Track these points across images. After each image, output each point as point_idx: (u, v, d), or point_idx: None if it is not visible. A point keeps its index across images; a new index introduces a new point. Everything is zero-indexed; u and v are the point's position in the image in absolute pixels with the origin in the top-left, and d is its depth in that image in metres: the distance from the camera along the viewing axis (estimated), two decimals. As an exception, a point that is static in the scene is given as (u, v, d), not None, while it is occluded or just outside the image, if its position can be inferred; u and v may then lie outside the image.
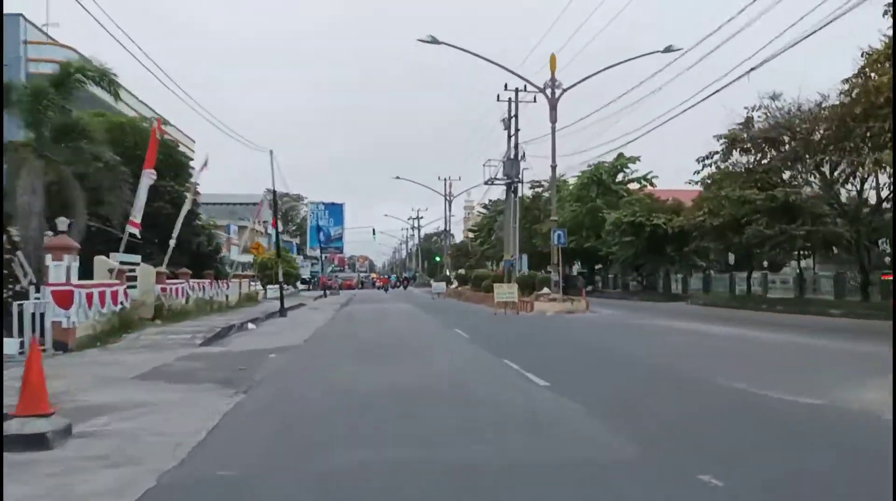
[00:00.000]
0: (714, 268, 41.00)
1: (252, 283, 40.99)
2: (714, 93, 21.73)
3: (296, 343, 16.29)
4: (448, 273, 64.45)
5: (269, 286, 47.06)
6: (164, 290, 22.12)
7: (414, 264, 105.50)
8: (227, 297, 30.14)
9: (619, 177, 51.03)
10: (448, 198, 64.48)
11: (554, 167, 28.99)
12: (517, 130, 35.40)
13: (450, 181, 64.94)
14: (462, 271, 61.17)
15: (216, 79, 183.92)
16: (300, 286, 75.50)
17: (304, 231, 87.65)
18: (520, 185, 36.40)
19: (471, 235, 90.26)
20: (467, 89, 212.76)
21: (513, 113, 35.70)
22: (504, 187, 38.17)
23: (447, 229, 65.88)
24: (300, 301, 42.73)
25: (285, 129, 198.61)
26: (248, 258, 53.99)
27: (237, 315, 25.01)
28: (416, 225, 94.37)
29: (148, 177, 21.08)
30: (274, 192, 28.96)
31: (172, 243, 23.67)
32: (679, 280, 48.73)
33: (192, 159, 47.86)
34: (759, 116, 28.81)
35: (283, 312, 27.74)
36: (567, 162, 70.30)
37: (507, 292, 26.94)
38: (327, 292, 55.15)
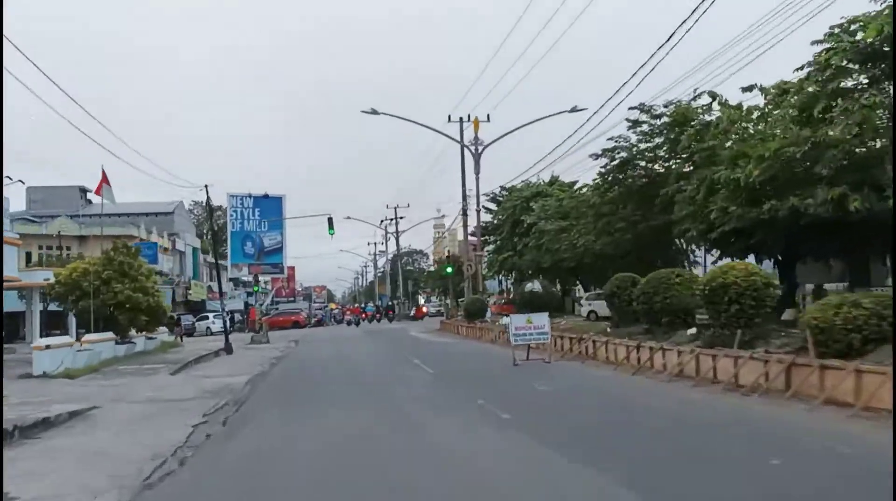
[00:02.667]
0: None
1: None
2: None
3: None
4: (482, 292, 36.22)
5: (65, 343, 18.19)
6: None
7: (389, 288, 76.51)
8: None
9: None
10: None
11: None
12: None
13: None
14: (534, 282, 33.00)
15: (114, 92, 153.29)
16: (212, 327, 46.54)
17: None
18: None
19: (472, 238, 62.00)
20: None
21: None
22: None
23: (474, 191, 36.86)
24: (154, 372, 14.26)
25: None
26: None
27: None
28: (389, 230, 65.46)
29: None
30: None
31: None
32: None
33: None
34: None
35: None
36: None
37: None
38: (230, 341, 25.80)
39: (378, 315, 59.35)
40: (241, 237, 51.81)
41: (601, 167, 28.96)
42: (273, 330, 52.65)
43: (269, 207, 52.45)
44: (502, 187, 53.89)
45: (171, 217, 70.20)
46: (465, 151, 34.41)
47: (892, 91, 13.63)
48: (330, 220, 35.08)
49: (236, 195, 51.65)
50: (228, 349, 25.04)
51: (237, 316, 53.81)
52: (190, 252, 69.95)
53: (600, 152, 28.10)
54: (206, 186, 25.81)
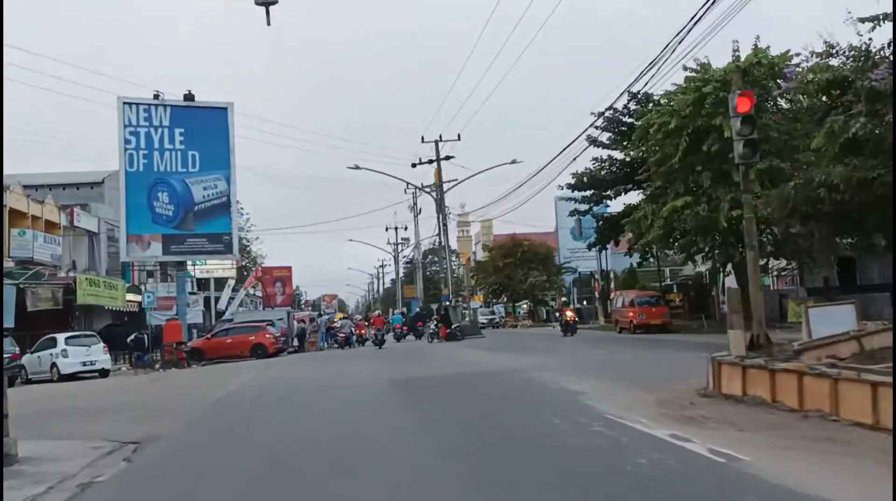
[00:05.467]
0: None
1: None
2: None
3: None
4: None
5: None
6: None
7: (420, 288, 50.84)
8: None
9: None
10: None
11: None
12: None
13: None
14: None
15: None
16: (62, 363, 21.63)
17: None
18: None
19: (482, 254, 37.23)
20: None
21: None
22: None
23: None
24: None
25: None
26: None
27: None
28: (427, 192, 39.72)
29: None
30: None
31: None
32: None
33: None
34: None
35: None
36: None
37: None
38: None
39: (404, 328, 34.70)
40: (147, 186, 26.46)
41: None
42: (217, 362, 27.85)
43: (202, 125, 26.96)
44: (633, 94, 29.40)
45: (101, 189, 47.83)
46: None
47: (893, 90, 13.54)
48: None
49: (136, 103, 26.18)
50: None
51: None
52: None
53: None
54: None
